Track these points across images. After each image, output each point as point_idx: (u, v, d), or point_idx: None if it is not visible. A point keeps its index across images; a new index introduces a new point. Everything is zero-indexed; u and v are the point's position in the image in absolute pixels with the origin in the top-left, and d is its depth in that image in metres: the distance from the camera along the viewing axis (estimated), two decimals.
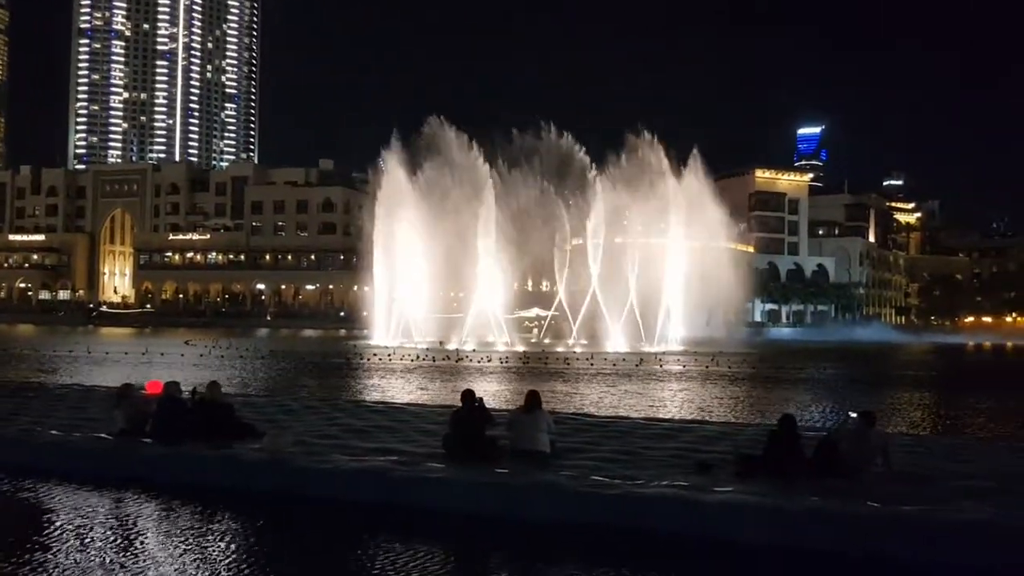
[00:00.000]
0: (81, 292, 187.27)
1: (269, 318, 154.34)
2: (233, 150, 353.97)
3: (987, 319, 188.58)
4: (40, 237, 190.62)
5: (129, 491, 14.50)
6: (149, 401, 17.81)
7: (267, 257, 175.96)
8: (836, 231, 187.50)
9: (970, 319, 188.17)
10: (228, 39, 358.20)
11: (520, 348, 71.83)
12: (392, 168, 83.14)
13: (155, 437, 16.21)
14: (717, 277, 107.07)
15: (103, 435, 16.84)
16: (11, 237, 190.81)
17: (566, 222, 79.66)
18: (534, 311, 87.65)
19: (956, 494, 12.33)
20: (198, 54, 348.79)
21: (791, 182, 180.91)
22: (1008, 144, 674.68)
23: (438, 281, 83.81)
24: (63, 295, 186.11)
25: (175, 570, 10.64)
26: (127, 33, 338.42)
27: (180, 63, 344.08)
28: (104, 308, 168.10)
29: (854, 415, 14.38)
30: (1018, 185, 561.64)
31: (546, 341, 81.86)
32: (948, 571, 10.76)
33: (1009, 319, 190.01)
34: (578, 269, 79.77)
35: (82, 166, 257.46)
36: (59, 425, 18.30)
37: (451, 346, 71.37)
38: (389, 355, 59.58)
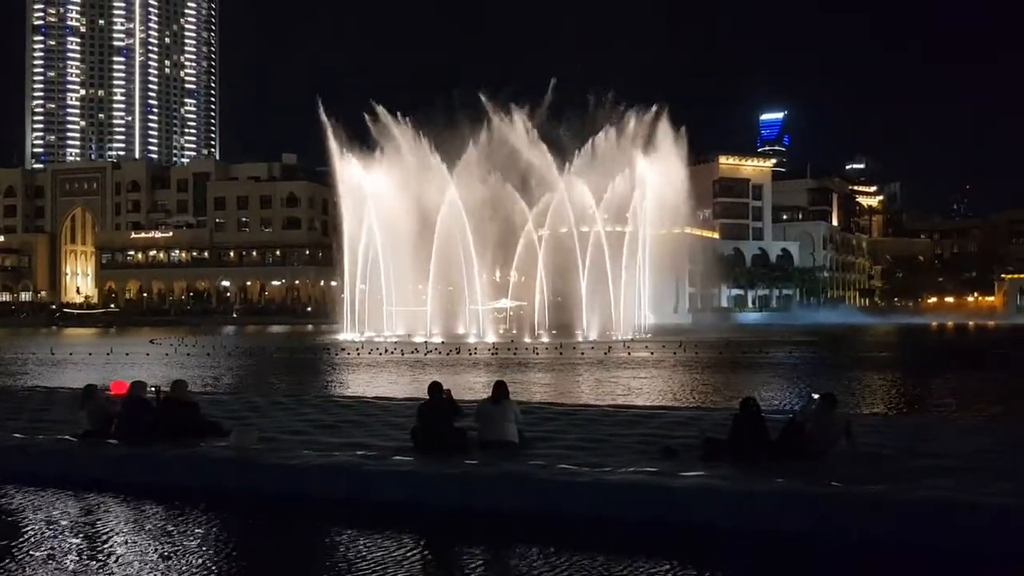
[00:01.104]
0: (43, 293, 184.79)
1: (235, 315, 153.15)
2: (194, 146, 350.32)
3: (949, 299, 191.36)
4: None
5: (95, 493, 14.36)
6: (114, 401, 17.65)
7: (231, 254, 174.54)
8: (800, 215, 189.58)
9: (933, 300, 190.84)
10: (186, 34, 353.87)
11: (489, 339, 71.89)
12: (356, 157, 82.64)
13: (120, 438, 16.06)
14: (683, 264, 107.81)
15: (67, 437, 16.66)
16: None
17: (534, 211, 79.51)
18: (503, 302, 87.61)
19: (919, 473, 12.52)
20: (156, 49, 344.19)
21: (754, 168, 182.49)
22: (968, 125, 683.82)
23: (406, 273, 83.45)
24: (24, 297, 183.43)
25: (145, 572, 10.55)
26: (82, 29, 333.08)
27: (137, 59, 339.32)
28: (66, 309, 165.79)
29: (816, 396, 14.55)
30: (977, 166, 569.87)
31: (514, 331, 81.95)
32: (912, 549, 10.93)
33: (971, 299, 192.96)
34: (545, 259, 79.76)
35: (40, 165, 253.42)
36: (22, 428, 18.07)
37: (419, 339, 71.28)
38: (357, 349, 59.38)
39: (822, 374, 40.99)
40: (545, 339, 72.10)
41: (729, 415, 15.33)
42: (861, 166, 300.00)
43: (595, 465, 13.30)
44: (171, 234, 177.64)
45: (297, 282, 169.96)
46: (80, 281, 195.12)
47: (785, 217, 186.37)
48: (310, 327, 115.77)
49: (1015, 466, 13.00)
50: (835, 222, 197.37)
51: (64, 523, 12.83)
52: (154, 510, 13.46)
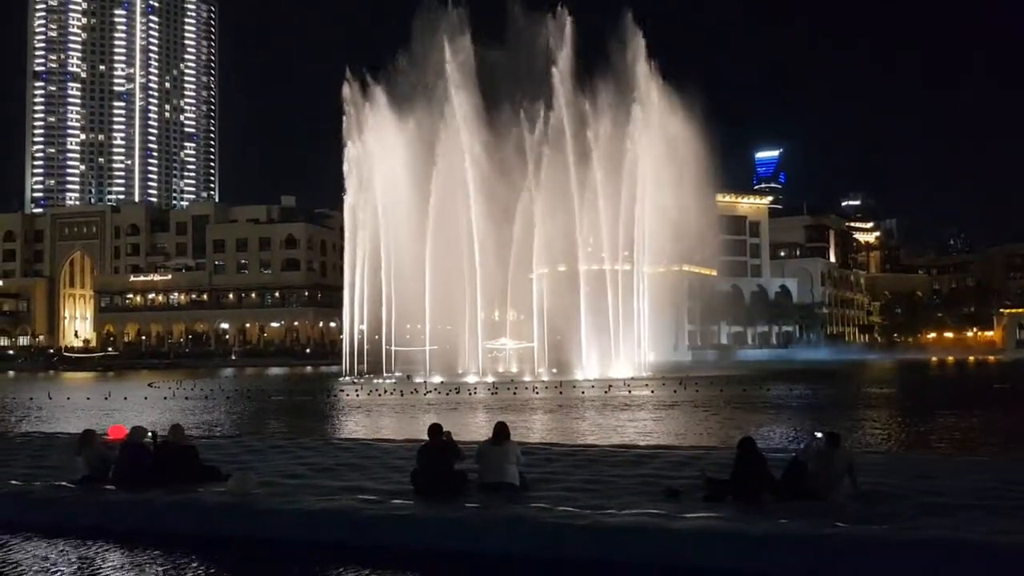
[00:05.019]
0: (41, 337, 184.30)
1: (234, 357, 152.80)
2: (193, 189, 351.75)
3: (949, 334, 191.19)
4: None
5: (92, 540, 14.18)
6: (112, 447, 17.50)
7: (230, 296, 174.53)
8: (797, 252, 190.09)
9: (932, 335, 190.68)
10: (186, 78, 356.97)
11: (489, 379, 71.67)
12: (359, 200, 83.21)
13: (118, 483, 15.92)
14: (683, 301, 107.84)
15: (65, 483, 16.50)
16: None
17: (534, 249, 79.68)
18: (502, 341, 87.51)
19: (923, 511, 12.41)
20: (156, 94, 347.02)
21: (751, 205, 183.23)
22: (963, 160, 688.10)
23: (406, 314, 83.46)
24: (23, 341, 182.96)
25: None
26: (83, 75, 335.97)
27: (138, 103, 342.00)
28: (64, 352, 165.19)
29: (819, 435, 14.45)
30: (974, 201, 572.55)
31: (514, 371, 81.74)
32: None
33: (970, 334, 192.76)
34: (546, 297, 79.81)
35: (39, 209, 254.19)
36: (19, 474, 17.90)
37: (419, 379, 71.08)
38: (356, 390, 59.17)
39: (824, 412, 40.79)
40: (545, 378, 71.88)
41: (730, 454, 15.22)
42: (857, 202, 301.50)
43: (597, 507, 13.18)
44: (170, 277, 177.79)
45: (296, 323, 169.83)
46: (79, 325, 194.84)
47: (783, 254, 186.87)
48: (309, 368, 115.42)
49: (1017, 504, 12.89)
50: (833, 259, 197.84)
51: (60, 572, 12.65)
52: (152, 556, 13.29)
